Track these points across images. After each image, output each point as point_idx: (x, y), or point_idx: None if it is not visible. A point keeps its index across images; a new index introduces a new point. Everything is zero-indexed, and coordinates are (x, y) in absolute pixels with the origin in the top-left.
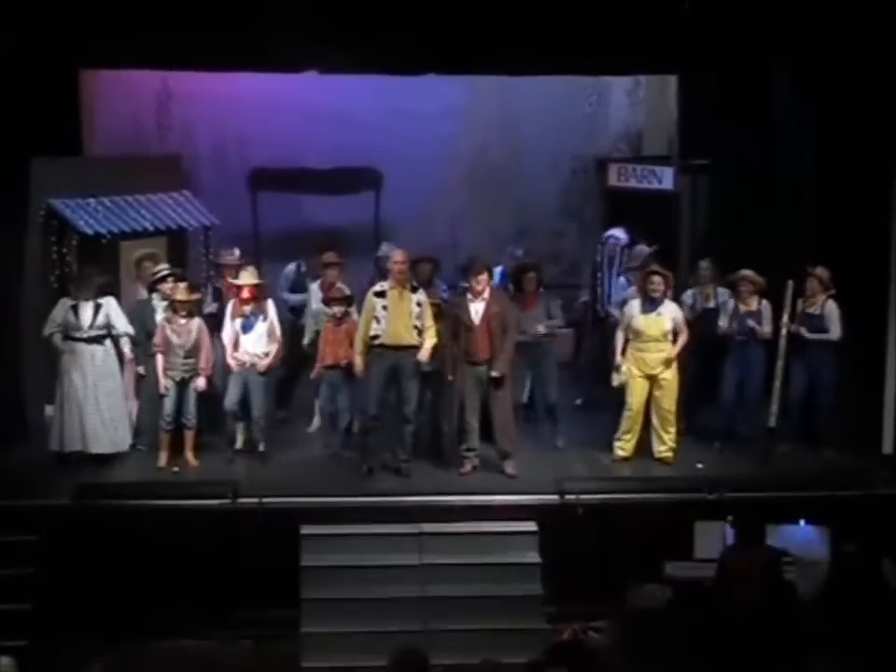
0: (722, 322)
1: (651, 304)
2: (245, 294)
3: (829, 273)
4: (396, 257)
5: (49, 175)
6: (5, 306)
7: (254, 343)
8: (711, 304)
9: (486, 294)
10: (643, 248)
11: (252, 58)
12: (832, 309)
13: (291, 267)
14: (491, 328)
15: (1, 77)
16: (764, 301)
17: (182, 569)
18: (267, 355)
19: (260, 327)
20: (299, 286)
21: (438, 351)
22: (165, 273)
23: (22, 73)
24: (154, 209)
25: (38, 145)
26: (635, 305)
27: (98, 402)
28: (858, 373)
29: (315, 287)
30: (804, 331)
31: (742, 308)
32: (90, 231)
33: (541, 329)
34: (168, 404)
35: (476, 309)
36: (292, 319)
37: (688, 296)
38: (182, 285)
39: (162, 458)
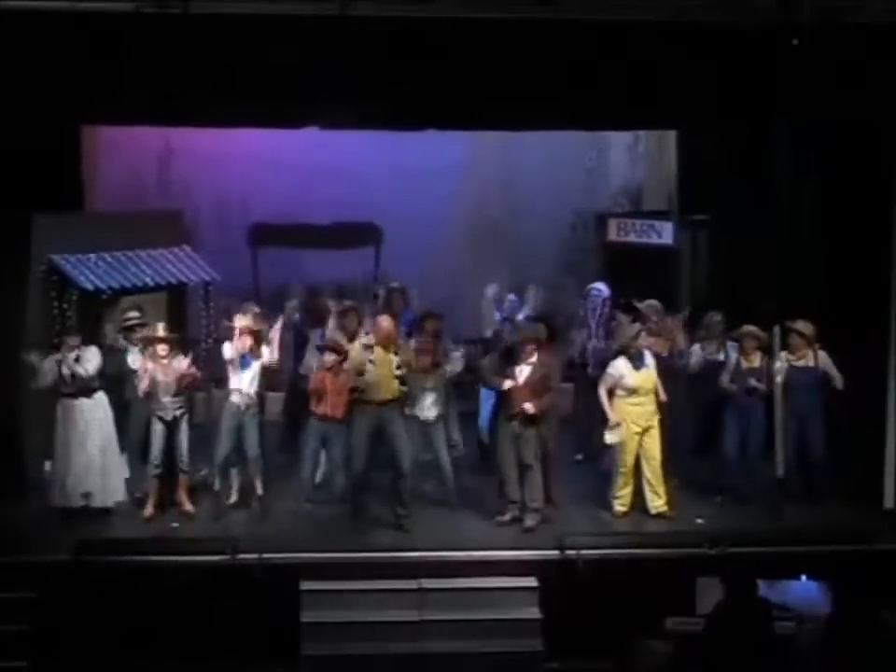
0: (724, 378)
1: (639, 360)
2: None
3: (811, 327)
4: (381, 325)
5: (50, 230)
6: (4, 361)
7: (248, 382)
8: (721, 357)
9: (534, 358)
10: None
11: (252, 115)
12: (825, 359)
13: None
14: (534, 388)
15: (3, 134)
16: (767, 358)
17: (181, 626)
18: (260, 396)
19: (256, 365)
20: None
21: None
22: (135, 322)
23: (24, 129)
24: (155, 265)
25: (39, 200)
26: (621, 364)
27: (90, 454)
28: (859, 428)
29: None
30: (777, 382)
31: (745, 364)
32: (90, 287)
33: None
34: (156, 446)
35: (521, 370)
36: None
37: (696, 349)
38: (160, 324)
39: (149, 507)
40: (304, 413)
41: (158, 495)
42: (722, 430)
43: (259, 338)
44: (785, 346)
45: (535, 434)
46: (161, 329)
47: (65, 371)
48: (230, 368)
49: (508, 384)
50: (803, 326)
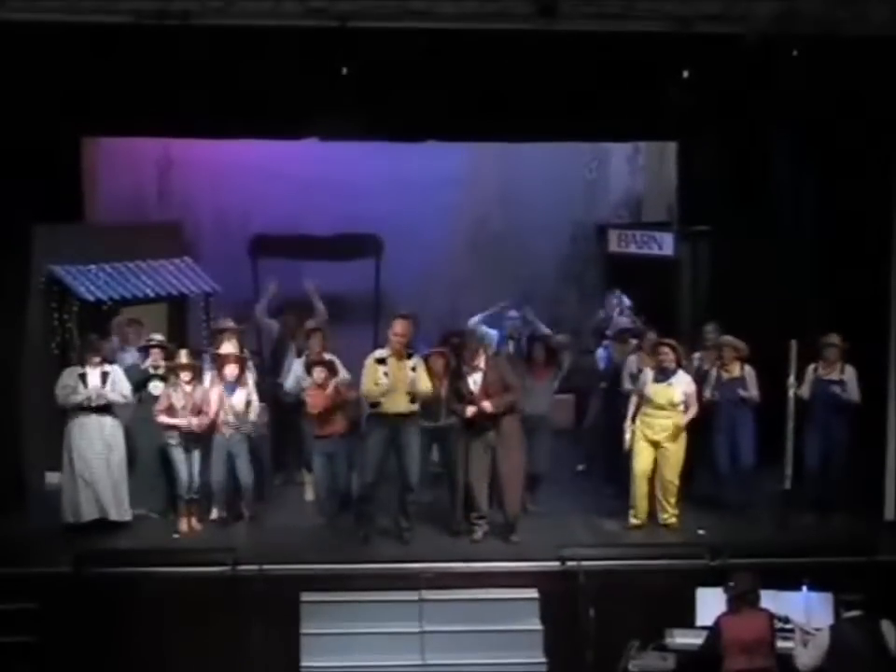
0: (706, 391)
1: (663, 374)
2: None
3: (841, 340)
4: (395, 328)
5: (50, 241)
6: (5, 373)
7: (237, 404)
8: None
9: (482, 364)
10: (621, 319)
11: (253, 126)
12: (851, 374)
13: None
14: (491, 394)
15: (3, 145)
16: (747, 367)
17: (182, 637)
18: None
19: (240, 393)
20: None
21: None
22: (155, 342)
23: (25, 140)
24: (155, 276)
25: (40, 212)
26: (648, 374)
27: (110, 471)
28: (860, 440)
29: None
30: (803, 394)
31: (725, 375)
32: (90, 298)
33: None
34: (183, 471)
35: (475, 380)
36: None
37: (695, 360)
38: (183, 350)
39: (184, 525)
40: (290, 424)
41: (188, 514)
42: (712, 443)
43: (243, 364)
44: (809, 361)
45: (502, 441)
46: (184, 357)
47: (93, 388)
48: (219, 394)
49: (470, 410)
50: (837, 339)
